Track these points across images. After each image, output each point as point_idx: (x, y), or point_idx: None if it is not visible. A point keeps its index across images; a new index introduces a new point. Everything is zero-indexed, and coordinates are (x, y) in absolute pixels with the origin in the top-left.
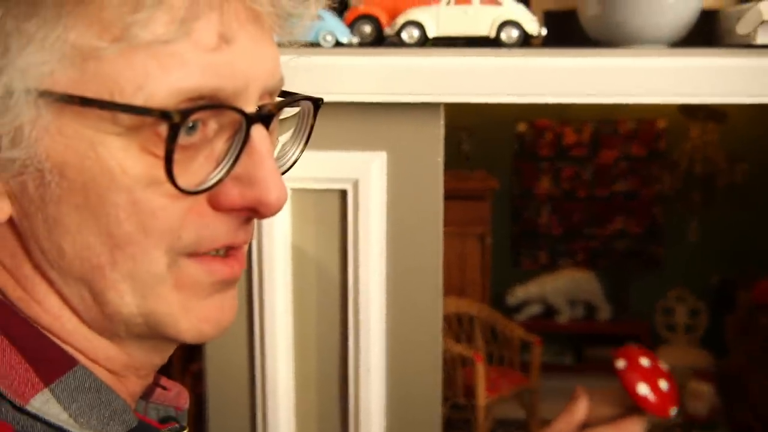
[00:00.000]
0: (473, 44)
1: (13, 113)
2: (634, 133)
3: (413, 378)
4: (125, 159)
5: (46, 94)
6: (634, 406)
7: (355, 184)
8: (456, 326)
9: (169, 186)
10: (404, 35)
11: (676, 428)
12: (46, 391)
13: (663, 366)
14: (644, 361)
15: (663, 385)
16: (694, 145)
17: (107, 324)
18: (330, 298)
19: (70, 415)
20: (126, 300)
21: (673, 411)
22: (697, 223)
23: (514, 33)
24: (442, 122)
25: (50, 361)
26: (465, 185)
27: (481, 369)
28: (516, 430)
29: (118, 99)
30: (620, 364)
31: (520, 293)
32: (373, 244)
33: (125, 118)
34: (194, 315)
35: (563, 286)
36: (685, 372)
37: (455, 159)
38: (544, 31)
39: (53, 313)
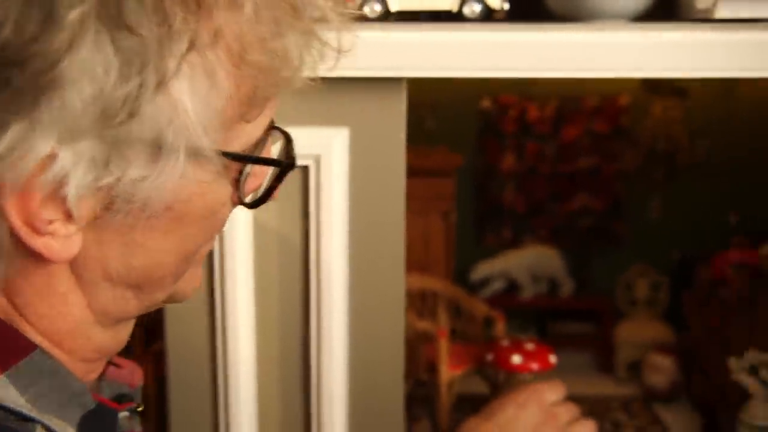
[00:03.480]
0: (436, 18)
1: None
2: (598, 109)
3: (376, 354)
4: (223, 193)
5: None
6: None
7: (317, 160)
8: (419, 303)
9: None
10: (366, 9)
11: (636, 401)
12: (2, 377)
13: (522, 336)
14: (504, 342)
15: (529, 347)
16: (657, 121)
17: (126, 315)
18: (292, 275)
19: (28, 400)
20: (164, 292)
21: (551, 359)
22: (659, 200)
23: (477, 7)
24: (404, 97)
25: (7, 347)
26: (428, 162)
27: (444, 345)
28: (480, 406)
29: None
30: (489, 357)
31: (483, 269)
32: (335, 221)
33: (236, 164)
34: (194, 281)
35: (527, 262)
36: (646, 346)
37: (418, 136)
38: (506, 6)
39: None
